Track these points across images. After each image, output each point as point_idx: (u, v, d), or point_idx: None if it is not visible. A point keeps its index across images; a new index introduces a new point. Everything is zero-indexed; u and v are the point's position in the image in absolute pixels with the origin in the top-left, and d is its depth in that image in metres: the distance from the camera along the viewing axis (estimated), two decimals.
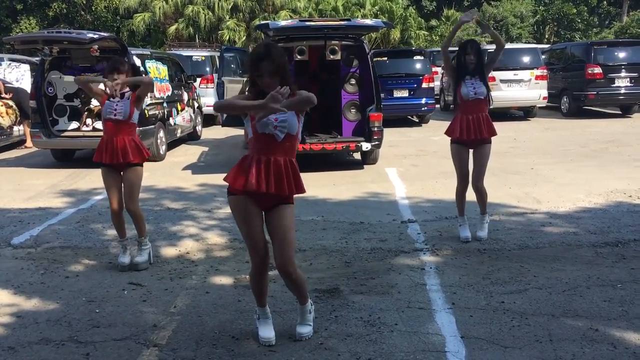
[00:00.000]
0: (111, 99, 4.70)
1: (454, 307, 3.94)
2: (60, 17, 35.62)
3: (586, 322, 3.67)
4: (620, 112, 16.09)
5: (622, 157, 9.45)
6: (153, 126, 9.94)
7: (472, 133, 5.21)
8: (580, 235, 5.45)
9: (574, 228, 5.66)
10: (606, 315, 3.76)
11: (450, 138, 5.41)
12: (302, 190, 3.37)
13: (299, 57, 9.03)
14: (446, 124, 5.51)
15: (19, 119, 12.05)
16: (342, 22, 8.64)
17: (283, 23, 8.76)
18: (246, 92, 3.43)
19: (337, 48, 8.97)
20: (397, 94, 14.53)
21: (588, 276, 4.43)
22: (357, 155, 9.68)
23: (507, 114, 15.83)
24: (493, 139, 5.36)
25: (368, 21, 9.58)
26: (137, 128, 4.98)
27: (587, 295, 4.09)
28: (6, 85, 12.06)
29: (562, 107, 16.01)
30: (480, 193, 5.37)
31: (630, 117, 15.58)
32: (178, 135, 11.72)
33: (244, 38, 31.22)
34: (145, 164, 4.97)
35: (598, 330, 3.55)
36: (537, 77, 15.05)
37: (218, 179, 8.62)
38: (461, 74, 5.27)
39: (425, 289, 4.27)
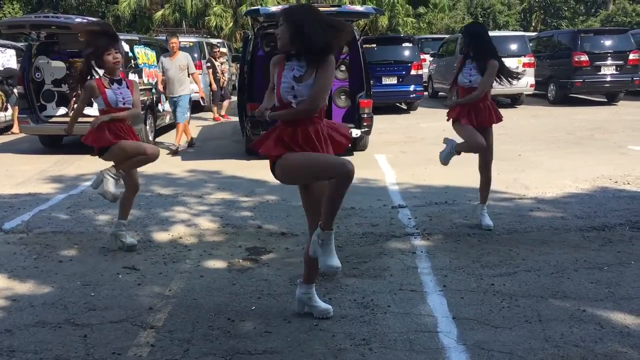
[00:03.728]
0: (112, 87, 4.69)
1: (445, 289, 4.02)
2: (44, 1, 35.08)
3: (574, 303, 3.76)
4: (606, 100, 16.27)
5: (607, 144, 9.59)
6: (142, 112, 9.89)
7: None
8: (567, 219, 5.55)
9: (562, 213, 5.76)
10: (593, 296, 3.86)
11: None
12: None
13: None
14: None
15: (5, 104, 11.95)
16: (333, 8, 8.61)
17: (274, 8, 8.72)
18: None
19: None
20: (386, 81, 14.56)
21: (575, 259, 4.53)
22: None
23: (495, 101, 15.91)
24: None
25: (359, 7, 9.56)
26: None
27: (575, 277, 4.18)
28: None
29: (549, 94, 16.15)
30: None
31: (615, 104, 15.75)
32: (167, 121, 11.67)
33: (231, 24, 31.01)
34: None
35: (585, 311, 3.64)
36: (524, 65, 15.16)
37: (207, 165, 8.69)
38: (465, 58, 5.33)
39: (416, 272, 4.34)
